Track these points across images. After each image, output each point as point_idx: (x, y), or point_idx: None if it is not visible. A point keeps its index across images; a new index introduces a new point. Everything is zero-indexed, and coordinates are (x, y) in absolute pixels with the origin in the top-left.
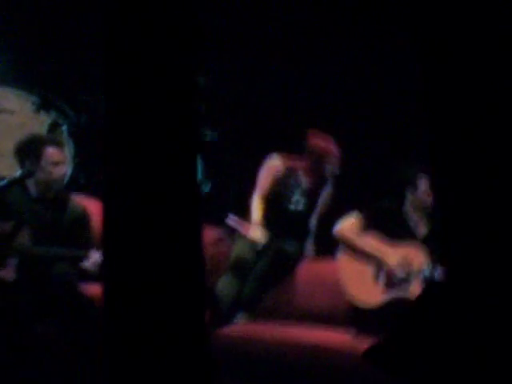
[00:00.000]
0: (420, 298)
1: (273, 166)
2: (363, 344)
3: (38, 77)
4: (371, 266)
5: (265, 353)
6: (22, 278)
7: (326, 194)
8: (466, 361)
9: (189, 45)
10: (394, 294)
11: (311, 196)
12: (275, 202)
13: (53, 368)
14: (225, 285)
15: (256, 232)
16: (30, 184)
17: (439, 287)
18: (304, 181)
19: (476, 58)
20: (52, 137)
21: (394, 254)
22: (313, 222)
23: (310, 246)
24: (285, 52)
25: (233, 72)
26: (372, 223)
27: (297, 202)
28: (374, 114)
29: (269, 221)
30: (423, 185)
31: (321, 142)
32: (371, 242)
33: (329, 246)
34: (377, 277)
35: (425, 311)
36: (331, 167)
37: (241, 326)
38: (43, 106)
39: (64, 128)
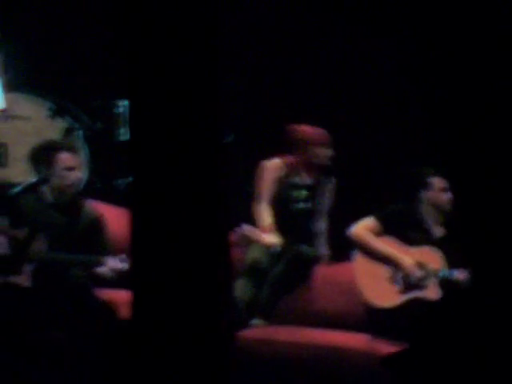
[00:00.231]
0: (439, 304)
1: (272, 167)
2: (380, 346)
3: (53, 83)
4: (387, 267)
5: (281, 355)
6: (37, 284)
7: (329, 186)
8: (485, 370)
9: (214, 48)
10: (411, 295)
11: (315, 191)
12: (282, 203)
13: (68, 373)
14: (241, 288)
15: (270, 237)
16: (45, 190)
17: (459, 294)
18: (305, 176)
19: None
20: (66, 142)
21: (410, 256)
22: (322, 220)
23: (324, 247)
24: (298, 54)
25: (248, 74)
26: (387, 226)
27: (303, 199)
28: (382, 118)
29: (279, 224)
30: (436, 183)
31: (304, 130)
32: (387, 244)
33: (344, 248)
34: (393, 278)
35: (444, 319)
36: (323, 152)
37: (257, 329)
38: (58, 111)
39: (79, 133)
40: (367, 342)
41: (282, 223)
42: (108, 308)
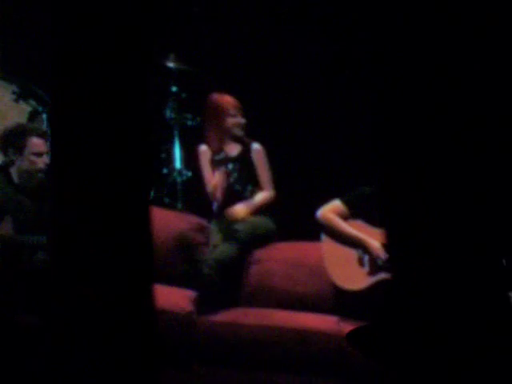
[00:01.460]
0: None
1: (201, 153)
2: (348, 327)
3: (17, 66)
4: (355, 249)
5: (249, 338)
6: (4, 266)
7: (255, 154)
8: (447, 347)
9: (141, 39)
10: (378, 277)
11: (243, 162)
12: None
13: (34, 357)
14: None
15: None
16: (13, 173)
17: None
18: (229, 150)
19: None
20: (37, 127)
21: (377, 237)
22: (266, 190)
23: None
24: (266, 38)
25: (216, 58)
26: (354, 209)
27: (231, 173)
28: (357, 100)
29: (222, 203)
30: None
31: (212, 97)
32: (354, 226)
33: (312, 229)
34: (361, 260)
35: (406, 296)
36: (234, 120)
37: (224, 312)
38: (22, 95)
39: (44, 116)
40: (335, 323)
41: (224, 202)
42: None
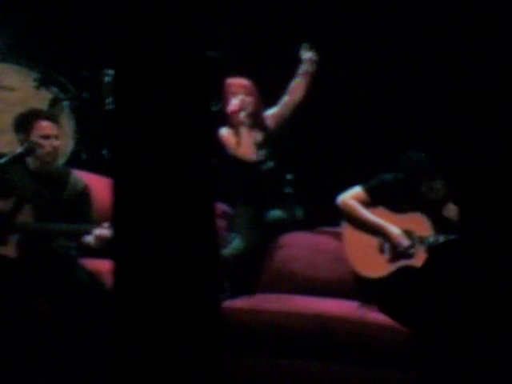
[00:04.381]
0: (428, 258)
1: (223, 137)
2: (368, 313)
3: (39, 52)
4: (376, 236)
5: (269, 324)
6: (23, 254)
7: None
8: (473, 317)
9: (201, 17)
10: (399, 264)
11: (272, 147)
12: (248, 170)
13: (53, 344)
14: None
15: None
16: (29, 160)
17: (447, 247)
18: (255, 133)
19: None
20: (48, 111)
21: (398, 224)
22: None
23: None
24: (291, 25)
25: (239, 45)
26: (375, 196)
27: (262, 158)
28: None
29: (248, 189)
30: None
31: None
32: (376, 214)
33: (332, 216)
34: (382, 247)
35: (434, 269)
36: (241, 97)
37: (245, 299)
38: (44, 81)
39: (65, 103)
40: (355, 309)
41: (251, 188)
42: (94, 278)
